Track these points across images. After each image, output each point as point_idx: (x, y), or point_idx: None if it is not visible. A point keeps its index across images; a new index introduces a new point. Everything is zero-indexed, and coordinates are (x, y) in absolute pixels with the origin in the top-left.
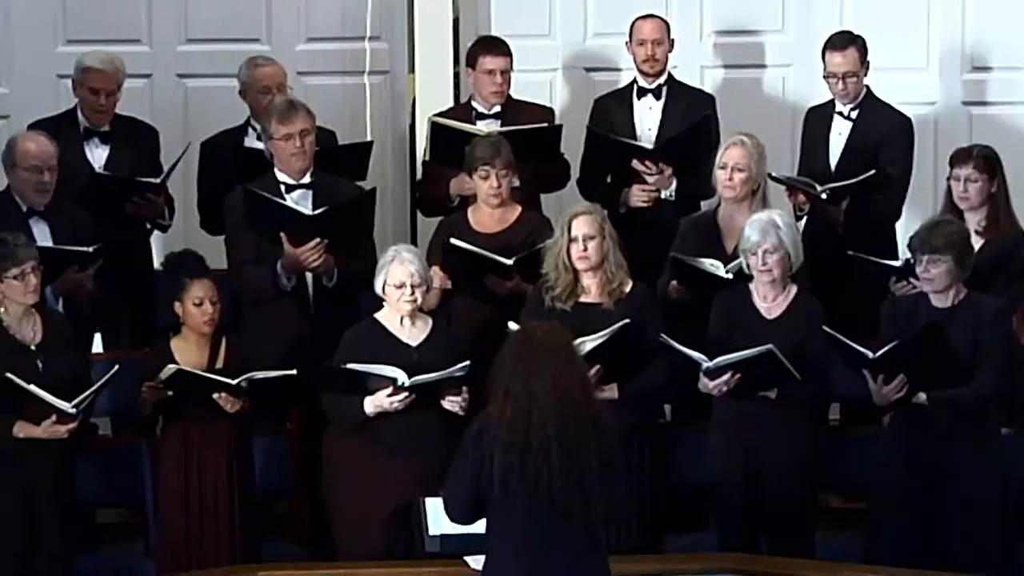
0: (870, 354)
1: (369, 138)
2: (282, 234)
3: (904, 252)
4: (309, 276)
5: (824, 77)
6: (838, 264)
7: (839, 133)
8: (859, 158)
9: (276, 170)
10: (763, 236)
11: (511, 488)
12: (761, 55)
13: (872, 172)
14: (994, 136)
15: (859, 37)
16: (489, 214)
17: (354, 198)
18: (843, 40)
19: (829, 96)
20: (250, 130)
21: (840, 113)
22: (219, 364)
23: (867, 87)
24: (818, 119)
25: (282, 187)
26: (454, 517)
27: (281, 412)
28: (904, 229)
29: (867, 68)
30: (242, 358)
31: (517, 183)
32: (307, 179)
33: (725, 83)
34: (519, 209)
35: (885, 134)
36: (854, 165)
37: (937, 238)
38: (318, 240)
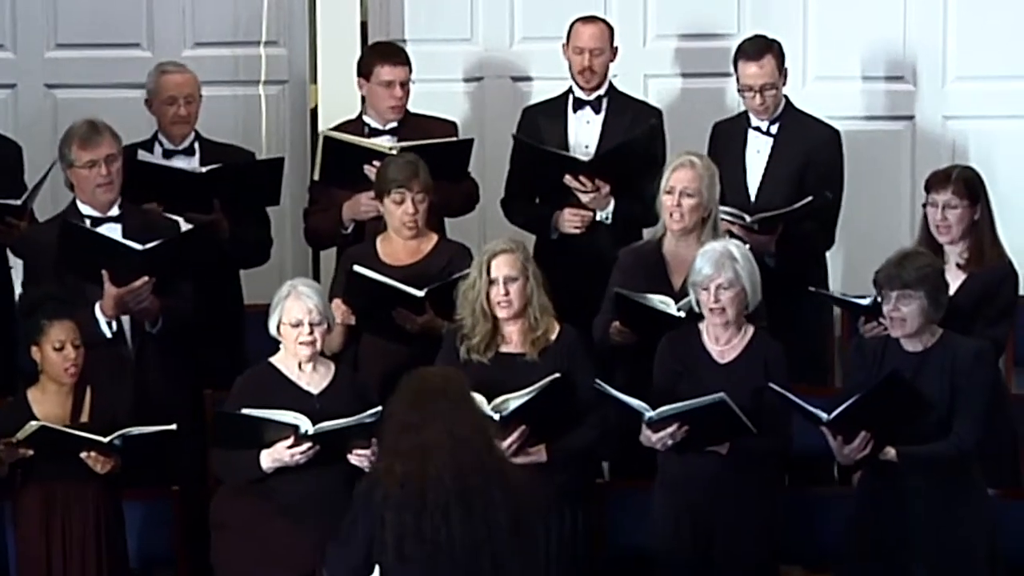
0: (824, 415)
1: (265, 153)
2: (104, 272)
3: (836, 284)
4: (127, 321)
5: (738, 91)
6: (772, 300)
7: (757, 151)
8: (784, 178)
9: (78, 202)
10: (717, 269)
11: (407, 553)
12: (713, 62)
13: (810, 199)
14: (978, 155)
15: (774, 42)
16: (401, 245)
17: (196, 228)
18: (757, 48)
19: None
20: (156, 145)
21: (757, 128)
22: (84, 418)
23: (786, 97)
24: (729, 136)
25: (87, 221)
26: None
27: (157, 472)
28: (868, 262)
29: (785, 77)
30: (111, 410)
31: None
32: (115, 211)
33: (672, 94)
34: (435, 238)
35: (812, 150)
36: (778, 187)
37: (908, 272)
38: (147, 279)
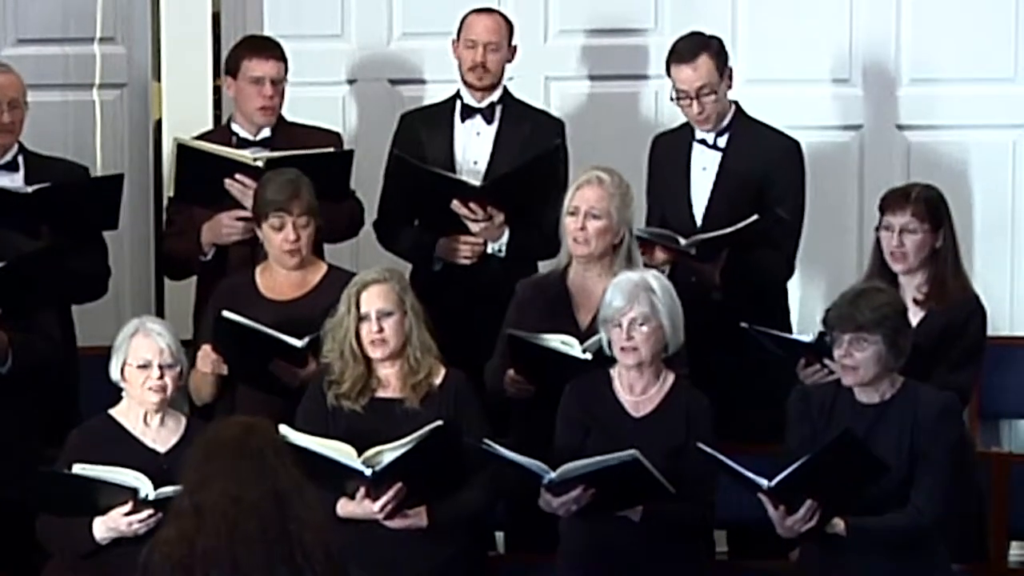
0: (764, 482)
1: (101, 168)
2: None
3: (798, 322)
4: None
5: (674, 100)
6: (718, 339)
7: (703, 168)
8: (735, 200)
9: None
10: (630, 301)
11: None
12: (628, 62)
13: (755, 218)
14: (938, 170)
15: (712, 39)
16: (284, 276)
17: (38, 250)
18: (690, 48)
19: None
20: None
21: (703, 141)
22: None
23: (735, 103)
24: (671, 151)
25: None
26: None
27: None
28: (809, 296)
29: (730, 78)
30: None
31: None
32: None
33: (577, 99)
34: (324, 268)
35: (768, 165)
36: (728, 210)
37: (863, 311)
38: None
